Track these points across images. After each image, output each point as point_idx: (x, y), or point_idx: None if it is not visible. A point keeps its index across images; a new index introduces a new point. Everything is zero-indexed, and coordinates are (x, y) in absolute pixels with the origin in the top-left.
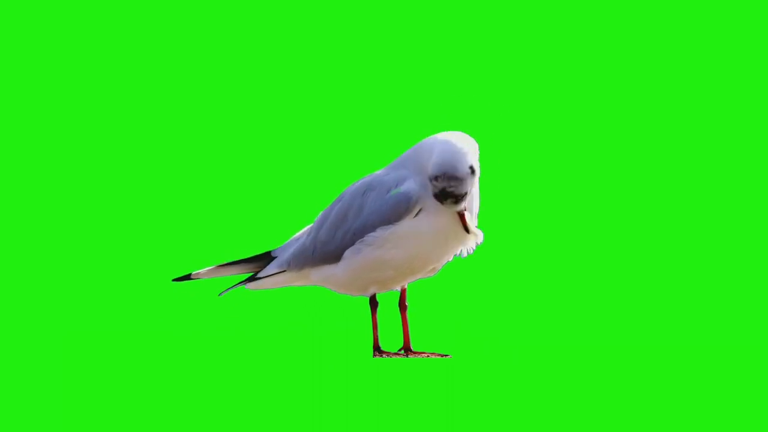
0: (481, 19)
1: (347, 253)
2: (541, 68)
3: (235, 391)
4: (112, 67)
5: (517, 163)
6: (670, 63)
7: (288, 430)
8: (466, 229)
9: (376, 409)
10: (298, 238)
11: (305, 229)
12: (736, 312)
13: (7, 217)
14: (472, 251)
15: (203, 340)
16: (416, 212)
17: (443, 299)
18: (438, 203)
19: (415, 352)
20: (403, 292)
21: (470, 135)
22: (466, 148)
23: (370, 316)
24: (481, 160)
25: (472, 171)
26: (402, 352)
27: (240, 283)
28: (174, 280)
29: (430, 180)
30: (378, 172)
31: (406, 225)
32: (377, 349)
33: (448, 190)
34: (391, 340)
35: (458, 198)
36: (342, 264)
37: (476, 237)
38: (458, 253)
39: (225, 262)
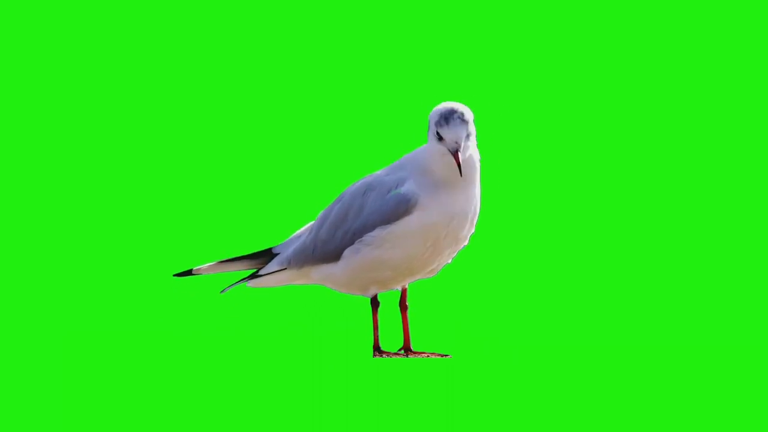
0: (482, 19)
1: (346, 252)
2: (541, 69)
3: (235, 389)
4: (115, 68)
5: (517, 164)
6: (671, 59)
7: (288, 430)
8: (459, 170)
9: (376, 409)
10: (299, 236)
11: (307, 226)
12: (736, 312)
13: (9, 214)
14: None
15: (204, 336)
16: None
17: (443, 299)
18: (435, 202)
19: (415, 352)
20: (404, 292)
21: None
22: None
23: (371, 315)
24: (481, 160)
25: (466, 120)
26: (402, 352)
27: (242, 280)
28: (175, 275)
29: (435, 135)
30: (378, 172)
31: (404, 225)
32: (377, 349)
33: (449, 119)
34: (391, 340)
35: (456, 131)
36: (341, 263)
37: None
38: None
39: (226, 258)
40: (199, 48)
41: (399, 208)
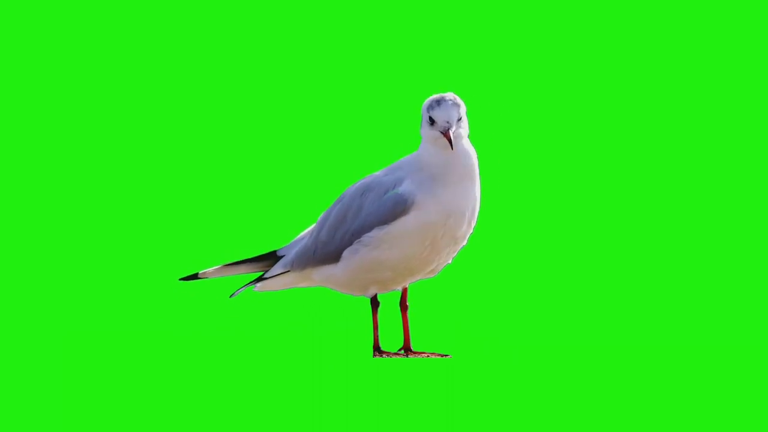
0: (480, 20)
1: (345, 253)
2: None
3: (237, 389)
4: (118, 68)
5: (516, 164)
6: (669, 56)
7: (288, 430)
8: (450, 145)
9: (376, 409)
10: (302, 238)
11: (310, 228)
12: (736, 312)
13: (15, 217)
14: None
15: (208, 339)
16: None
17: (443, 299)
18: (432, 201)
19: (415, 352)
20: (404, 292)
21: (470, 136)
22: None
23: (371, 316)
24: (481, 160)
25: (457, 104)
26: (402, 352)
27: (249, 283)
28: (181, 279)
29: (428, 122)
30: (377, 173)
31: (401, 225)
32: (377, 349)
33: (440, 102)
34: (391, 340)
35: (447, 111)
36: (341, 264)
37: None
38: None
39: (231, 262)
40: (202, 53)
41: (396, 208)
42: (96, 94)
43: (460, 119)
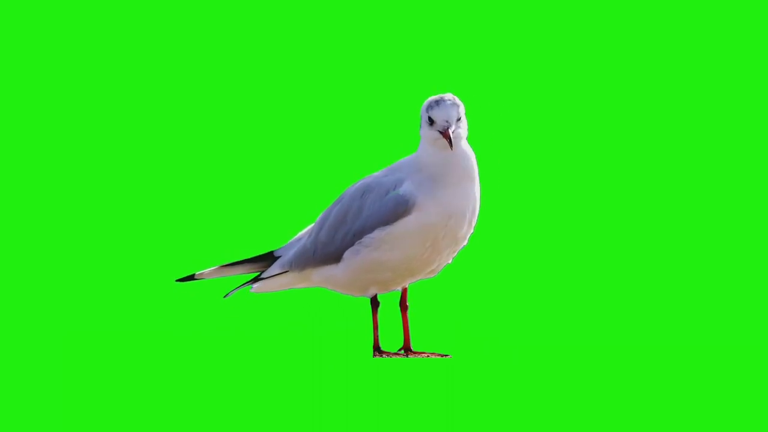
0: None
1: (347, 254)
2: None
3: (236, 390)
4: (116, 68)
5: (516, 164)
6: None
7: (288, 430)
8: (450, 144)
9: (376, 409)
10: (300, 238)
11: (307, 228)
12: (736, 312)
13: (10, 219)
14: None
15: (206, 339)
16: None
17: (443, 299)
18: (433, 202)
19: (415, 352)
20: (404, 292)
21: (470, 137)
22: None
23: (371, 316)
24: (480, 161)
25: (457, 104)
26: (402, 352)
27: (245, 283)
28: (178, 280)
29: (427, 122)
30: (376, 174)
31: (402, 226)
32: (377, 349)
33: (439, 102)
34: (391, 340)
35: (446, 111)
36: (342, 265)
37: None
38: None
39: (228, 263)
40: (200, 53)
41: (398, 210)
42: (93, 95)
43: (459, 119)
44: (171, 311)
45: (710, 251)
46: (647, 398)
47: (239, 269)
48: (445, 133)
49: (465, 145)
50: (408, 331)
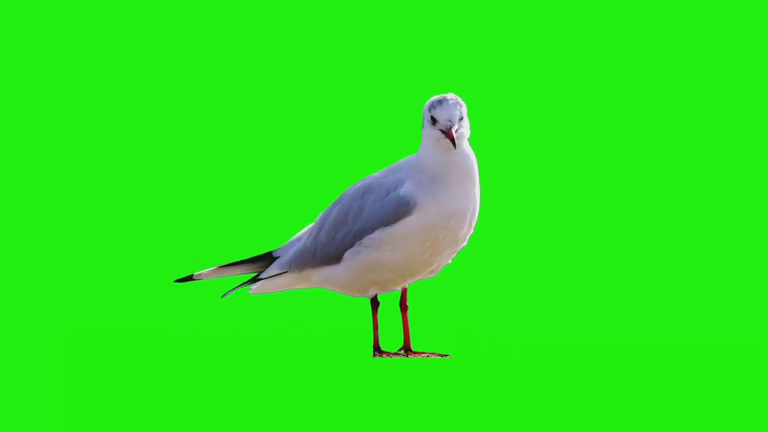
0: (480, 21)
1: (347, 254)
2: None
3: (236, 390)
4: (115, 69)
5: (516, 165)
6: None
7: (288, 430)
8: (453, 144)
9: (376, 409)
10: (299, 239)
11: (306, 229)
12: (736, 312)
13: (9, 220)
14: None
15: (205, 340)
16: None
17: (443, 299)
18: (433, 203)
19: (415, 352)
20: (404, 292)
21: (470, 137)
22: None
23: (371, 316)
24: (481, 161)
25: (459, 104)
26: (402, 352)
27: (244, 283)
28: (176, 281)
29: (430, 122)
30: (376, 174)
31: (402, 226)
32: (377, 349)
33: (442, 102)
34: (391, 340)
35: (449, 110)
36: (342, 265)
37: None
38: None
39: (227, 263)
40: (198, 54)
41: (398, 210)
42: (92, 96)
43: (461, 119)
44: (169, 312)
45: (710, 251)
46: (647, 398)
47: (238, 270)
48: (447, 133)
49: (466, 146)
50: (408, 331)
